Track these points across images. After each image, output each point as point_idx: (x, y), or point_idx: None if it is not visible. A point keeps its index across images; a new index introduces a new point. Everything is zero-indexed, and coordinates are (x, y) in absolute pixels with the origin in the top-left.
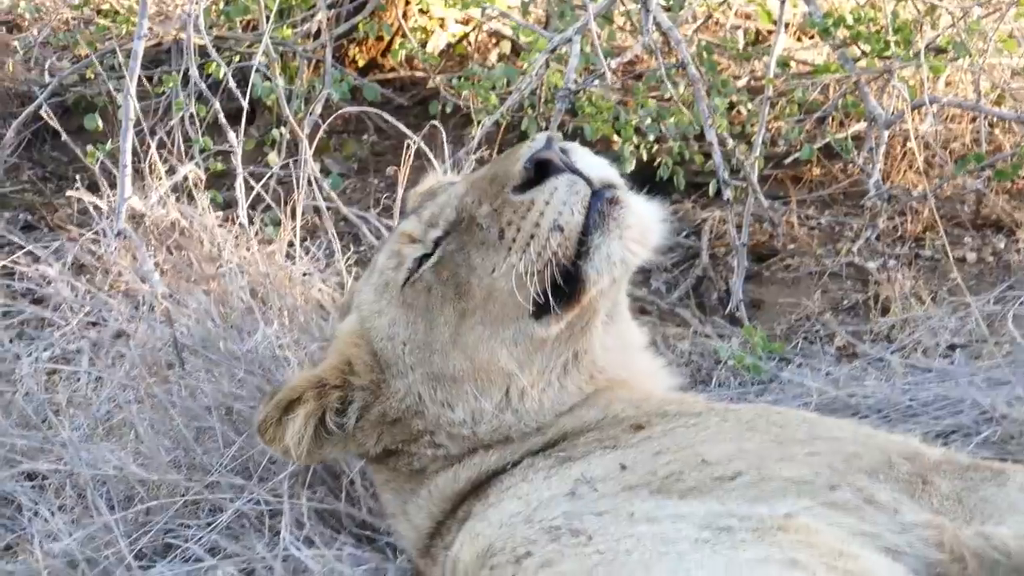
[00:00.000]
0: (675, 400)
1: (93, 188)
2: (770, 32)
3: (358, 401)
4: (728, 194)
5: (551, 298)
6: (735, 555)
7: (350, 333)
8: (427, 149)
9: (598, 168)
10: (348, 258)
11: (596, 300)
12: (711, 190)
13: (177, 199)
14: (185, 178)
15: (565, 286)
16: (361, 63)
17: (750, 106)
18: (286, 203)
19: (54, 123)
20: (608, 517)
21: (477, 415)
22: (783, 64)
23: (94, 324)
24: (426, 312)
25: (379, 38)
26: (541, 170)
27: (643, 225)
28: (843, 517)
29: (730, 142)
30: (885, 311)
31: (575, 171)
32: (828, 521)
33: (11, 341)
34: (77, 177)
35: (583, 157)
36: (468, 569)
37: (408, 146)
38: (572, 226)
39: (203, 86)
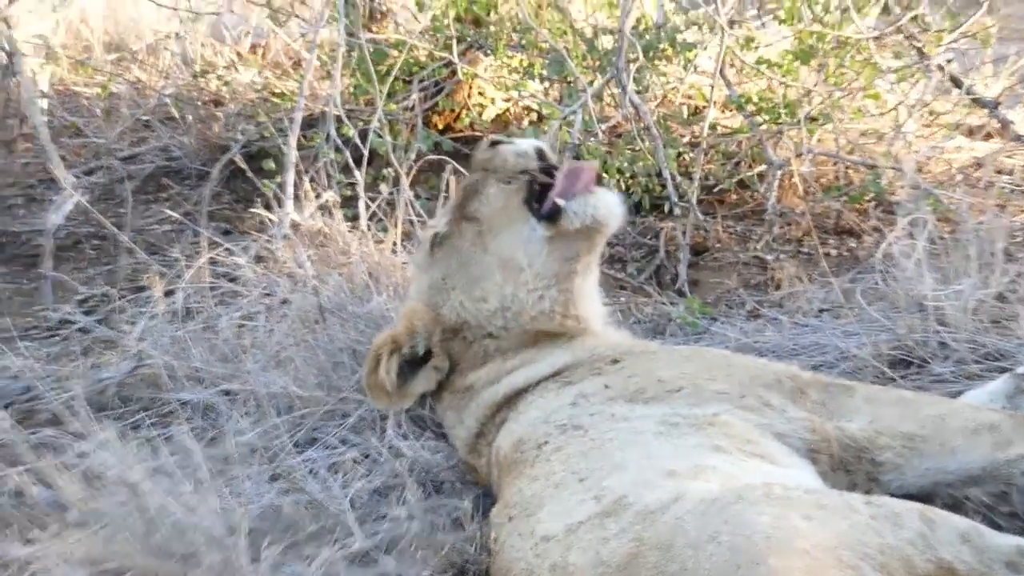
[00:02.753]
0: (640, 344)
1: (268, 207)
2: (704, 106)
3: (422, 335)
4: (677, 211)
5: (538, 206)
6: (680, 442)
7: (406, 307)
8: None
9: (532, 142)
10: None
11: (572, 234)
12: (666, 209)
13: (322, 214)
14: (327, 200)
15: (550, 217)
16: (440, 126)
17: (691, 154)
18: (390, 216)
19: (244, 165)
20: (597, 417)
21: (503, 302)
22: (712, 127)
23: (268, 295)
24: (453, 250)
25: (452, 110)
26: (496, 144)
27: (605, 200)
28: (749, 415)
29: (678, 178)
30: (778, 287)
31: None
32: (740, 419)
33: (216, 305)
34: (258, 200)
35: (518, 140)
36: (506, 454)
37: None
38: (530, 158)
39: (339, 141)
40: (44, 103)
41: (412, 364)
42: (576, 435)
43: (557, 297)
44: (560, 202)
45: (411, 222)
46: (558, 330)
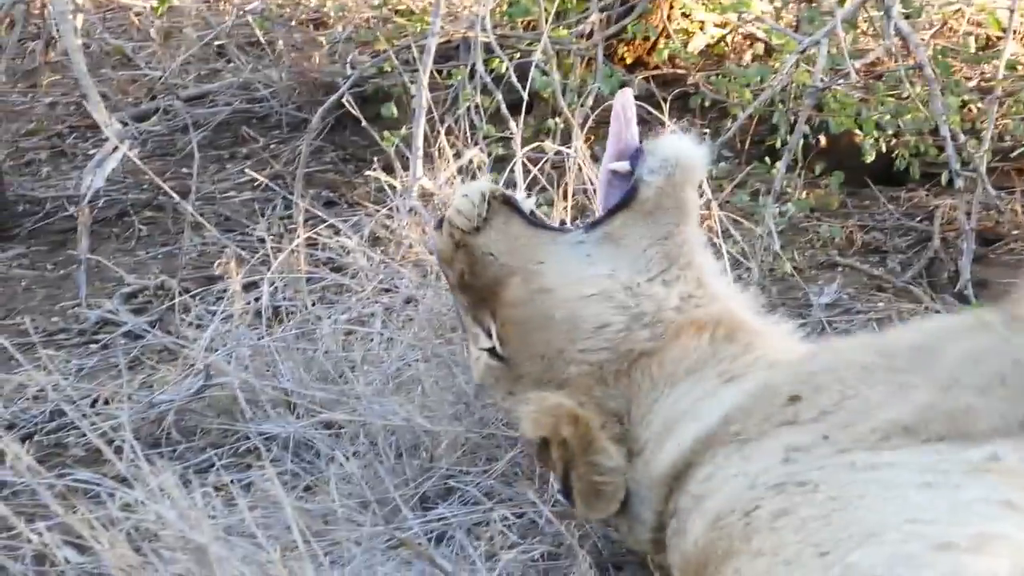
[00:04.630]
0: (821, 357)
1: (388, 169)
2: (999, 38)
3: (590, 407)
4: (959, 183)
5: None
6: (955, 496)
7: (530, 415)
8: None
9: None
10: None
11: (653, 200)
12: (943, 180)
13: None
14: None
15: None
16: (628, 60)
17: (980, 105)
18: (558, 185)
19: (355, 111)
20: (830, 469)
21: (630, 311)
22: (1011, 67)
23: (387, 290)
24: (524, 328)
25: (645, 38)
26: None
27: (674, 143)
28: None
29: (961, 137)
30: None
31: None
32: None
33: (313, 304)
34: (374, 159)
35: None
36: (698, 540)
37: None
38: (475, 189)
39: (487, 79)
40: (79, 20)
41: None
42: (803, 493)
43: (688, 279)
44: (618, 166)
45: (585, 192)
46: (707, 319)
